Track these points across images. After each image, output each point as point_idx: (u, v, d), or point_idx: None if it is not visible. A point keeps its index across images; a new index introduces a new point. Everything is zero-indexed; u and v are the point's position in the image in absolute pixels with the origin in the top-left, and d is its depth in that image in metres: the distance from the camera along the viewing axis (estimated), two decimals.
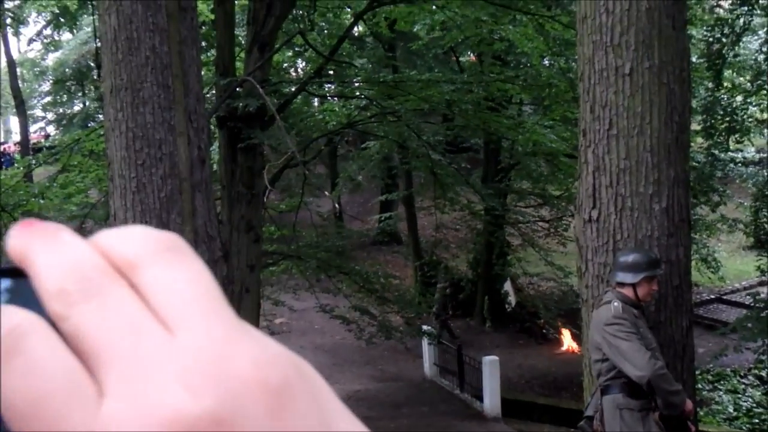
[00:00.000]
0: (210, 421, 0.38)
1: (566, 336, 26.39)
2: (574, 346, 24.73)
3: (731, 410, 23.55)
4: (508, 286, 30.08)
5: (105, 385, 0.40)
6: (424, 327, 22.30)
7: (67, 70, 46.94)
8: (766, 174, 28.34)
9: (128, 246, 0.43)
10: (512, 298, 29.98)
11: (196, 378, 0.39)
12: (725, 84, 29.91)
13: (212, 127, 14.77)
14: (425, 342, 23.34)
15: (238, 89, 14.12)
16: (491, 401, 19.92)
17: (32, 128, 50.16)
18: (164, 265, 0.43)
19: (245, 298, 14.64)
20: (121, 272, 0.42)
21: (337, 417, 0.44)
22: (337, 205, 31.59)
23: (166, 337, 0.41)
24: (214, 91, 15.68)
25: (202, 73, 9.89)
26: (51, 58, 49.72)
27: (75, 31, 39.79)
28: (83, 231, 17.64)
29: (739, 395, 24.45)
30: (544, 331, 28.02)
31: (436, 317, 27.71)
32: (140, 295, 0.42)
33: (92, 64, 42.66)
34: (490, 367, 19.96)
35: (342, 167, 32.60)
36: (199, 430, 0.38)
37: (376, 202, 35.43)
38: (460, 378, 22.10)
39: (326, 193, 28.80)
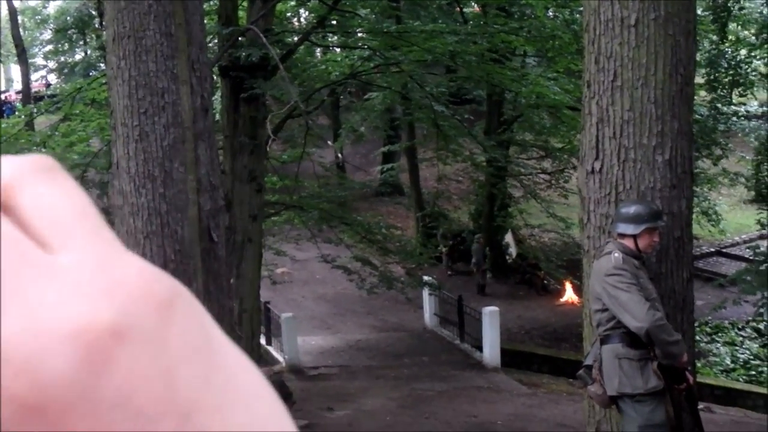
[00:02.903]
0: (111, 332, 0.38)
1: (567, 287, 26.49)
2: (575, 297, 24.85)
3: (728, 362, 23.74)
4: (509, 237, 30.18)
5: None
6: (425, 277, 22.37)
7: (68, 18, 46.83)
8: None
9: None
10: (513, 250, 30.09)
11: (90, 292, 0.39)
12: (730, 37, 29.87)
13: (215, 76, 14.75)
14: (426, 292, 23.44)
15: (240, 39, 14.09)
16: (491, 352, 20.03)
17: (34, 77, 50.19)
18: (38, 185, 0.43)
19: (247, 247, 14.70)
20: None
21: (215, 332, 0.45)
22: (339, 156, 31.59)
23: (49, 257, 0.41)
24: (216, 41, 15.63)
25: (205, 22, 9.85)
26: (52, 6, 49.66)
27: None
28: (85, 180, 17.70)
29: (737, 347, 24.64)
30: (544, 282, 28.16)
31: (477, 268, 28.17)
32: (17, 217, 0.42)
33: (94, 13, 42.57)
34: (490, 317, 20.04)
35: (344, 118, 32.51)
36: (100, 341, 0.38)
37: (379, 153, 35.42)
38: (460, 328, 22.22)
39: (329, 143, 28.80)
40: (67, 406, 0.37)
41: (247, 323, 14.71)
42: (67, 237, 0.42)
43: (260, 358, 17.28)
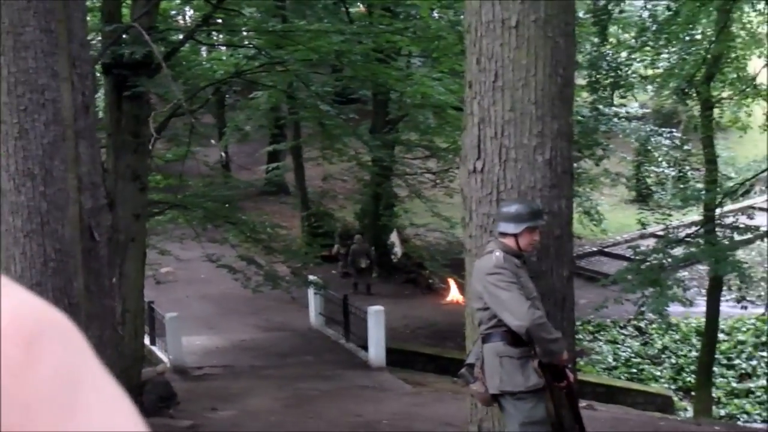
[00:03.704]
0: None
1: (452, 286, 26.68)
2: (459, 296, 25.05)
3: (611, 360, 24.26)
4: (394, 236, 30.28)
5: None
6: (310, 277, 22.34)
7: None
8: (648, 129, 28.93)
9: None
10: (398, 249, 30.18)
11: None
12: (610, 39, 30.40)
13: (97, 74, 14.53)
14: (311, 292, 23.41)
15: (124, 36, 13.91)
16: (376, 351, 20.09)
17: None
18: None
19: (131, 247, 14.53)
20: None
21: (88, 368, 0.47)
22: (224, 155, 31.40)
23: None
24: (99, 38, 15.41)
25: (88, 18, 9.71)
26: None
27: None
28: None
29: (619, 345, 25.19)
30: (429, 281, 28.31)
31: (367, 268, 28.00)
32: None
33: None
34: (376, 317, 20.11)
35: (230, 117, 32.30)
36: None
37: (264, 152, 35.26)
38: (345, 328, 22.24)
39: (213, 142, 28.60)
40: None
41: (130, 323, 14.54)
42: None
43: (144, 358, 17.09)
